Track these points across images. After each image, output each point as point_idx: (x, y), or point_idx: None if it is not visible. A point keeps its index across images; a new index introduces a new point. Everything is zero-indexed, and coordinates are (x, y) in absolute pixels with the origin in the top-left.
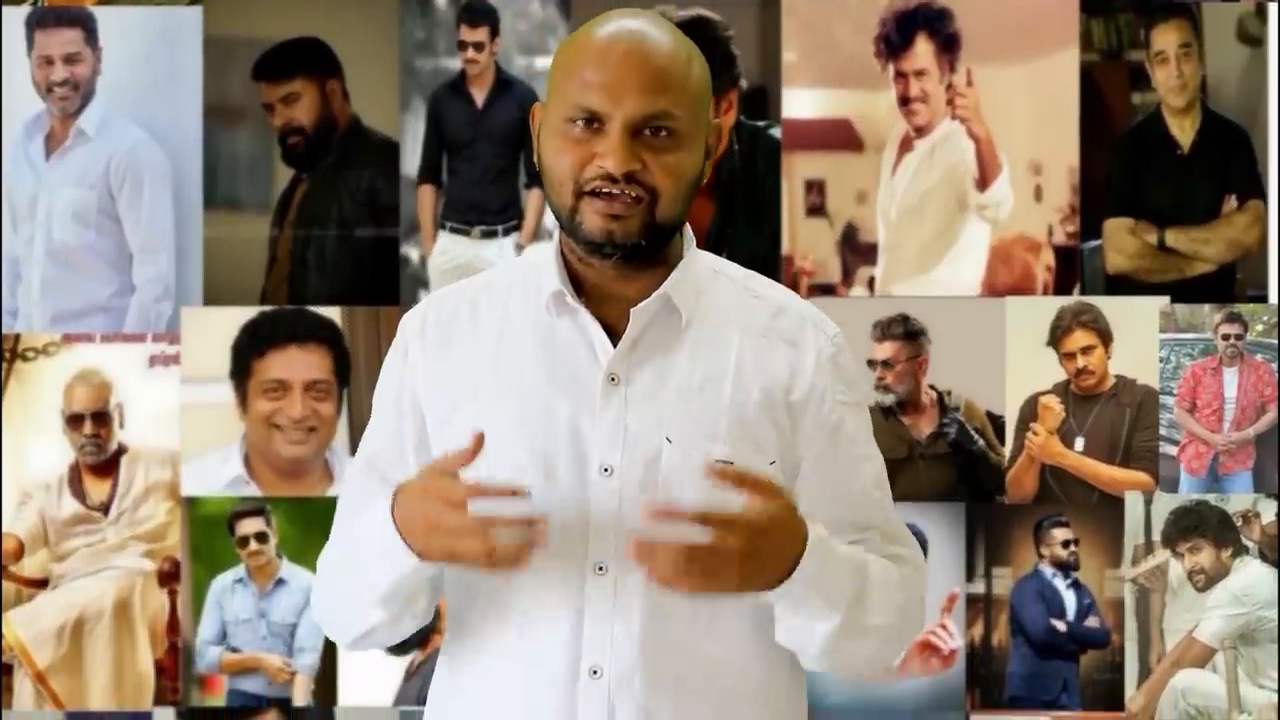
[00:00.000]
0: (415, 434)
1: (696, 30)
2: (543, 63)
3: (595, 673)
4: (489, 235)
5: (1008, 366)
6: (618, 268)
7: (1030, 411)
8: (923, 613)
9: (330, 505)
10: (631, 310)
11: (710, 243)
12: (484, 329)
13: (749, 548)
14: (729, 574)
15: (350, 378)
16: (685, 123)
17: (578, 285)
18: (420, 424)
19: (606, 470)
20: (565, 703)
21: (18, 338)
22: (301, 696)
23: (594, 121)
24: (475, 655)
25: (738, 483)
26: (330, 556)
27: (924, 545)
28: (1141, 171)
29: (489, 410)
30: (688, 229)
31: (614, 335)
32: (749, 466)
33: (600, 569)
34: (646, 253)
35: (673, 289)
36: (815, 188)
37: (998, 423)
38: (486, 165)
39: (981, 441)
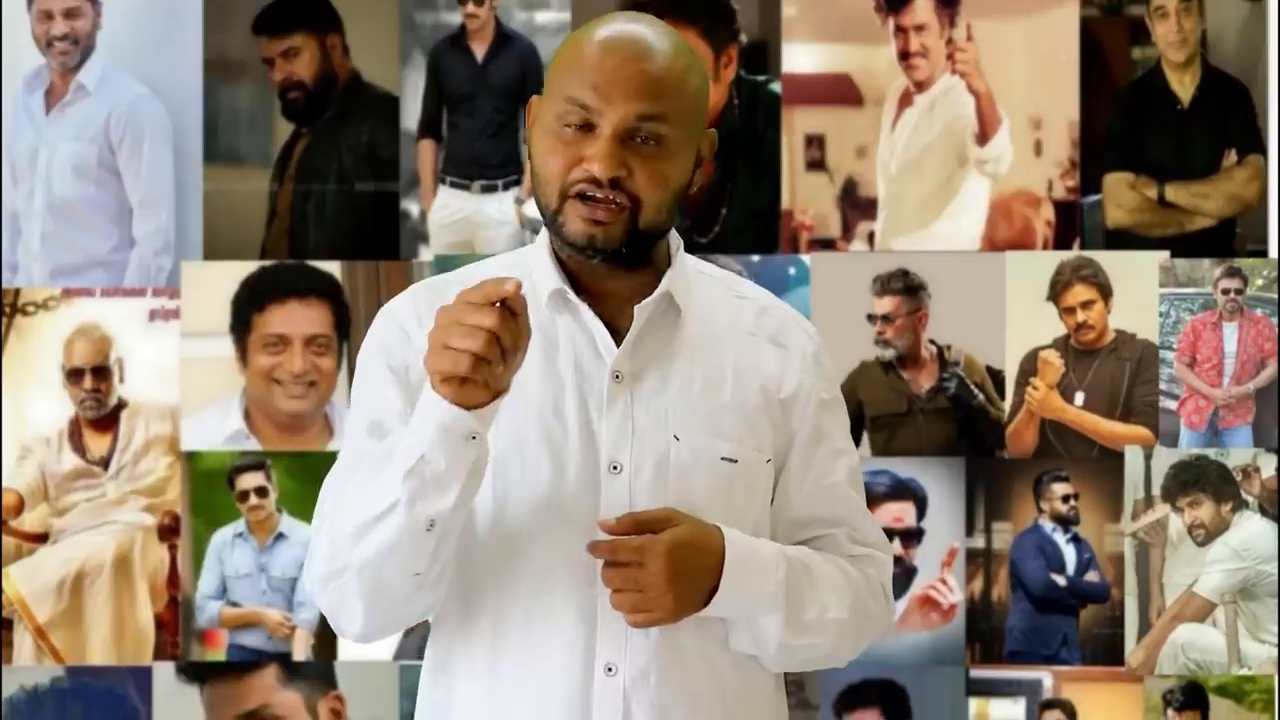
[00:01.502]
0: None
1: None
2: (543, 17)
3: (610, 670)
4: (489, 190)
5: (1008, 321)
6: (602, 267)
7: (1030, 366)
8: (884, 609)
9: (331, 459)
10: (635, 308)
11: (710, 198)
12: None
13: (670, 569)
14: (661, 600)
15: (350, 332)
16: (676, 132)
17: (571, 282)
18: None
19: (615, 468)
20: (580, 700)
21: (17, 292)
22: (301, 651)
23: (585, 124)
24: (481, 652)
25: (635, 529)
26: (343, 526)
27: (923, 501)
28: (1141, 126)
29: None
30: (675, 234)
31: (611, 331)
32: (749, 463)
33: None
34: (628, 259)
35: (672, 286)
36: (815, 142)
37: (998, 377)
38: (486, 120)
39: (981, 396)
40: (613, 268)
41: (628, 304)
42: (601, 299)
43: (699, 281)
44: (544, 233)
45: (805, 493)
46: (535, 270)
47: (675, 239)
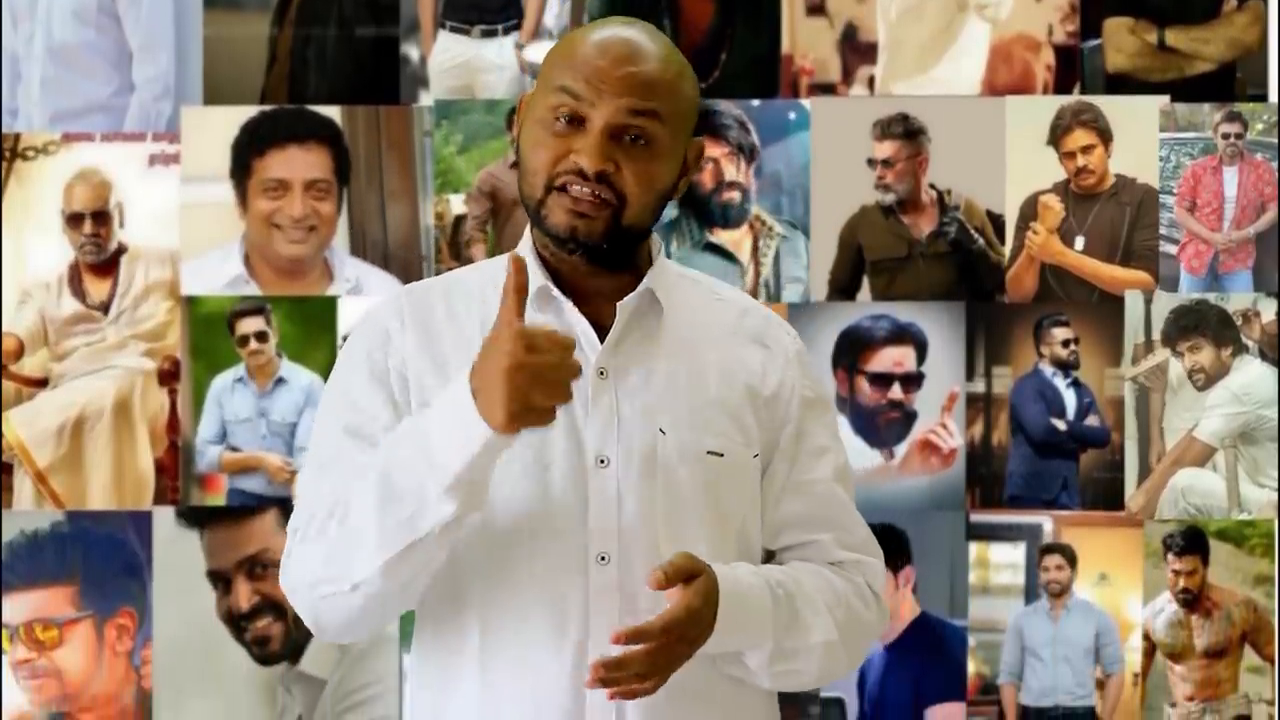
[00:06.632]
0: (408, 407)
1: None
2: None
3: None
4: (489, 35)
5: (1008, 165)
6: (586, 264)
7: (1030, 210)
8: (877, 615)
9: (329, 305)
10: (618, 305)
11: (711, 43)
12: (464, 324)
13: (698, 636)
14: (659, 682)
15: (350, 177)
16: (665, 135)
17: (555, 280)
18: (408, 403)
19: (603, 461)
20: (573, 698)
21: (17, 137)
22: None
23: (576, 119)
24: (472, 653)
25: (675, 580)
26: (325, 519)
27: (923, 345)
28: None
29: None
30: (656, 238)
31: (595, 329)
32: (736, 457)
33: (602, 559)
34: (609, 255)
35: (654, 284)
36: None
37: (998, 221)
38: None
39: (981, 240)
40: (593, 267)
41: (610, 302)
42: (584, 297)
43: (680, 284)
44: (527, 233)
45: (790, 492)
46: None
47: (657, 242)
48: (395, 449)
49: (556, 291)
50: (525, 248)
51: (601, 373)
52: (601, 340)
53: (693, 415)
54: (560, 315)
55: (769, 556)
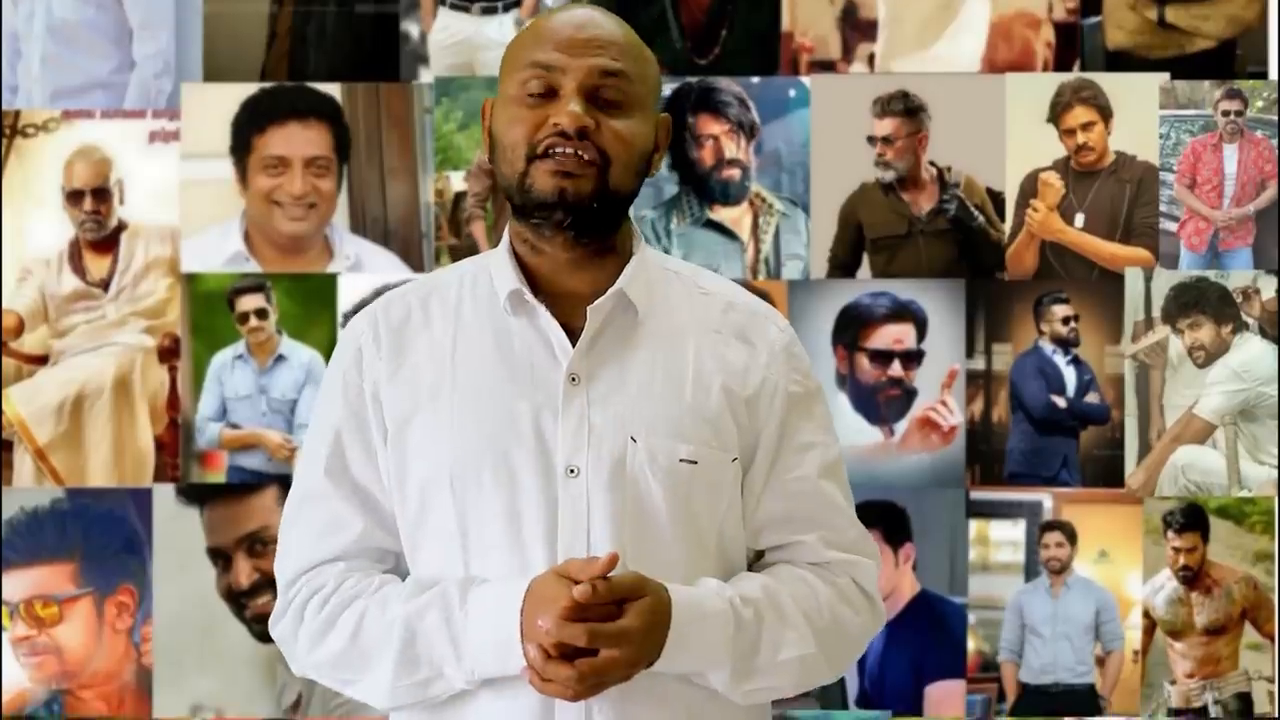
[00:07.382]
0: (381, 432)
1: None
2: None
3: None
4: (489, 12)
5: (1007, 143)
6: (570, 249)
7: (1030, 187)
8: (868, 615)
9: (329, 282)
10: (588, 308)
11: (711, 20)
12: (438, 331)
13: (637, 654)
14: (617, 678)
15: (350, 154)
16: (638, 91)
17: (531, 283)
18: (382, 423)
19: (573, 471)
20: (542, 710)
21: (18, 114)
22: None
23: (549, 90)
24: None
25: (612, 599)
26: (351, 617)
27: (924, 322)
28: None
29: (449, 414)
30: (638, 227)
31: (570, 333)
32: (711, 465)
33: None
34: (598, 221)
35: (627, 285)
36: None
37: (998, 199)
38: None
39: (982, 218)
40: (576, 250)
41: (586, 304)
42: (560, 299)
43: (663, 278)
44: (506, 235)
45: (771, 490)
46: (494, 272)
47: (638, 233)
48: (424, 615)
49: (530, 296)
50: (502, 250)
51: (573, 379)
52: (576, 344)
53: (667, 422)
54: (534, 320)
55: (758, 556)
